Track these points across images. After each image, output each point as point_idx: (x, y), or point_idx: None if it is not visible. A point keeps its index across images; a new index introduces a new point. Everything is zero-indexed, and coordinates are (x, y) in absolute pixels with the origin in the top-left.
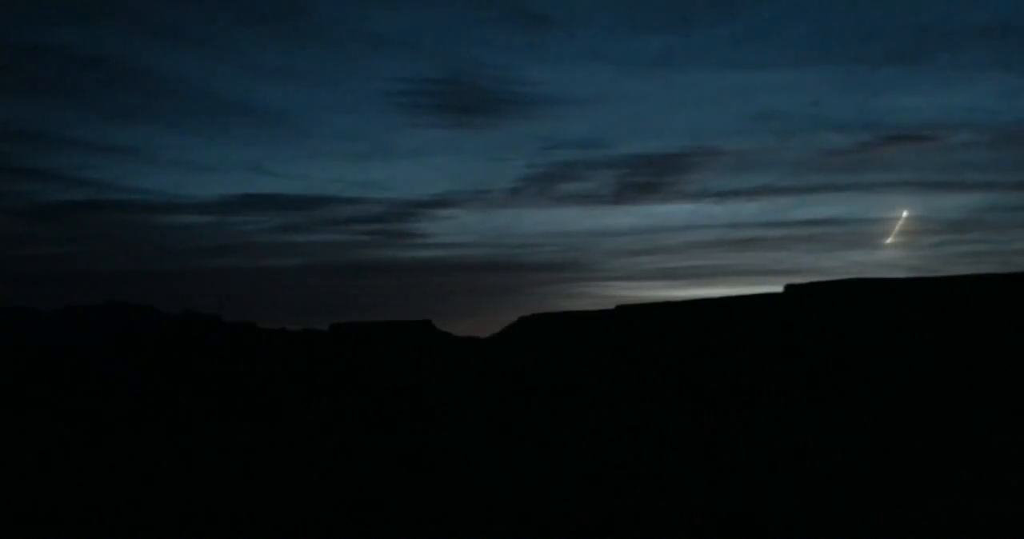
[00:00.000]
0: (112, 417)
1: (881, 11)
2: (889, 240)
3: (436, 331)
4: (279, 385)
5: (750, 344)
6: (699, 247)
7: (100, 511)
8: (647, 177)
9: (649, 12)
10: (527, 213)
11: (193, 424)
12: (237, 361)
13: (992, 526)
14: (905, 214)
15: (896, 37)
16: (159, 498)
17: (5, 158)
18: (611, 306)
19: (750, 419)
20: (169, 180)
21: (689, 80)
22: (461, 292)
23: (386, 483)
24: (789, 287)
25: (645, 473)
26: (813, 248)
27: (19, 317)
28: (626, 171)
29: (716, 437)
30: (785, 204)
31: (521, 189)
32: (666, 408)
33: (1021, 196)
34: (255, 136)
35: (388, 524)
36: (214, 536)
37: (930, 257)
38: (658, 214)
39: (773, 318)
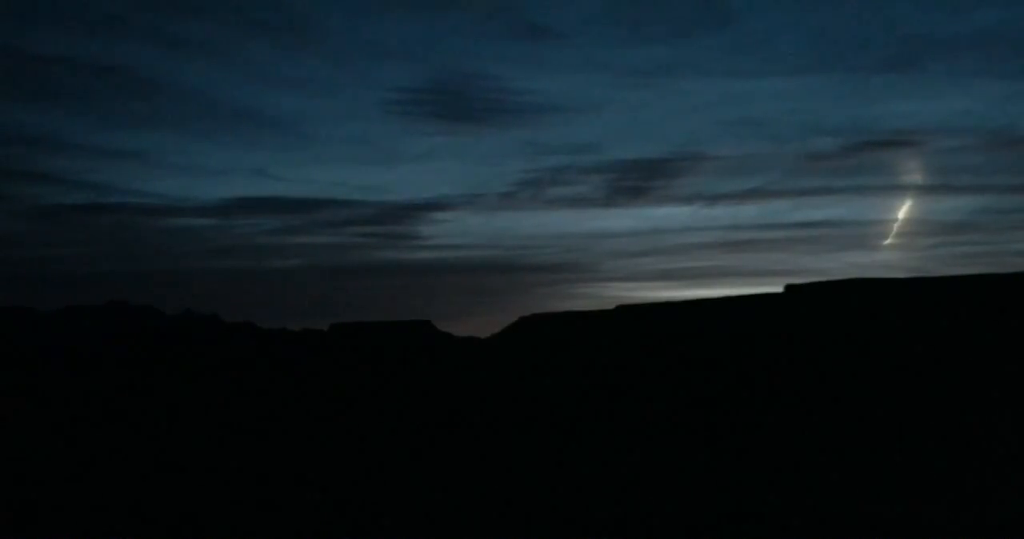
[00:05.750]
0: (112, 417)
1: (874, 20)
2: (887, 242)
3: (436, 331)
4: (279, 385)
5: (750, 344)
6: (698, 249)
7: (100, 511)
8: (637, 181)
9: (645, 23)
10: (523, 216)
11: (193, 424)
12: (237, 361)
13: (992, 528)
14: (901, 216)
15: (889, 45)
16: (158, 498)
17: (9, 161)
18: (611, 306)
19: (750, 419)
20: (175, 184)
21: (684, 88)
22: (461, 293)
23: (386, 483)
24: (789, 287)
25: (644, 473)
26: (811, 250)
27: (19, 317)
28: (616, 175)
29: (715, 437)
30: (782, 207)
31: (515, 193)
32: (665, 408)
33: (1014, 199)
34: (259, 142)
35: (388, 524)
36: (214, 536)
37: (927, 258)
38: (656, 216)
39: (773, 318)
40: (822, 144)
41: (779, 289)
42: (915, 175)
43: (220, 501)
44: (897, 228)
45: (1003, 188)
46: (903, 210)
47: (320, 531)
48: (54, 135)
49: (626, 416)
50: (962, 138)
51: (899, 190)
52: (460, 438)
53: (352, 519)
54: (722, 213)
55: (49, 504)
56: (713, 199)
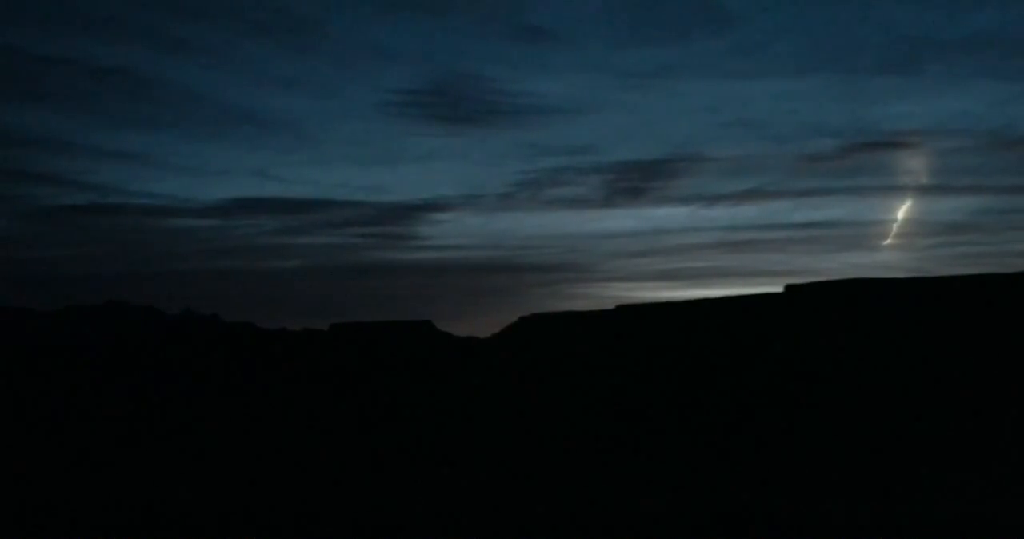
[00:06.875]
0: (112, 417)
1: (873, 23)
2: (887, 242)
3: (436, 331)
4: (279, 385)
5: (750, 344)
6: (697, 249)
7: (99, 511)
8: (636, 182)
9: (644, 24)
10: (522, 216)
11: (193, 424)
12: (236, 361)
13: (990, 527)
14: (901, 217)
15: (887, 47)
16: (158, 497)
17: (9, 161)
18: (611, 306)
19: (750, 418)
20: (175, 184)
21: (682, 89)
22: (461, 293)
23: (386, 482)
24: (789, 287)
25: (645, 472)
26: (811, 250)
27: (19, 317)
28: (615, 176)
29: (716, 437)
30: (781, 207)
31: (514, 193)
32: (666, 408)
33: (1013, 199)
34: (259, 142)
35: (387, 523)
36: (214, 536)
37: (926, 258)
38: (655, 217)
39: (773, 318)
40: (821, 145)
41: (779, 289)
42: (914, 175)
43: (220, 499)
44: (896, 228)
45: (1002, 188)
46: (902, 210)
47: (320, 530)
48: (54, 136)
49: (626, 416)
50: (960, 139)
51: (898, 190)
52: (460, 437)
53: (352, 517)
54: (721, 213)
55: (49, 503)
56: (712, 200)
